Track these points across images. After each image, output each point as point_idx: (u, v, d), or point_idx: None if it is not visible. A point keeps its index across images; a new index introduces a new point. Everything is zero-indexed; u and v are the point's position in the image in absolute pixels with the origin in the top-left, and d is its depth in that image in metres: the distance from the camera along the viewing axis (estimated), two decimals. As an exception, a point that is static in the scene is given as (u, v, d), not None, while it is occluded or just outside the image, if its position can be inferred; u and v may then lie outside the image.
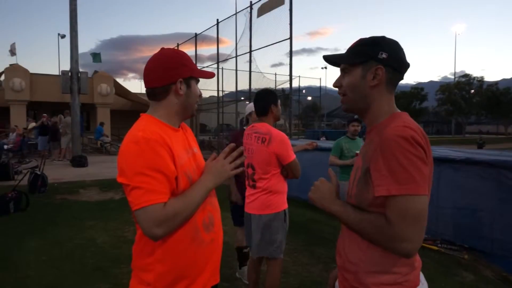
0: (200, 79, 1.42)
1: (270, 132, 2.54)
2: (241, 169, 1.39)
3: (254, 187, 2.61)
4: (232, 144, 1.44)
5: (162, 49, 1.37)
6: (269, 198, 2.55)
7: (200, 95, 1.43)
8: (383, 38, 1.17)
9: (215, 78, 12.19)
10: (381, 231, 1.03)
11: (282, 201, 2.61)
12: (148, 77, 1.32)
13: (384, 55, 1.14)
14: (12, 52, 19.70)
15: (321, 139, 17.96)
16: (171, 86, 1.30)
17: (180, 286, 1.27)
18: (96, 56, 20.39)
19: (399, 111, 1.18)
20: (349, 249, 1.18)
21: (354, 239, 1.15)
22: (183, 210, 1.20)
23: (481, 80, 41.45)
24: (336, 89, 1.24)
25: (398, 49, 1.17)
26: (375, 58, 1.14)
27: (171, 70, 1.30)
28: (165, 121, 1.31)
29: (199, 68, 1.37)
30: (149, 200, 1.13)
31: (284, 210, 2.62)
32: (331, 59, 1.25)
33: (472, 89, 41.10)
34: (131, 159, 1.15)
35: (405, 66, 1.18)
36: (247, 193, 2.70)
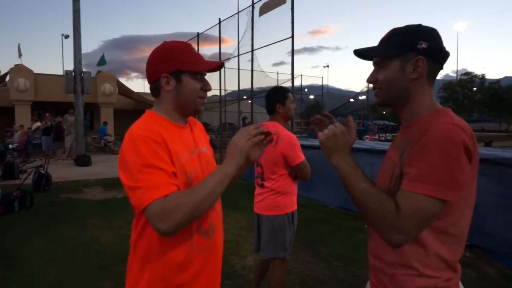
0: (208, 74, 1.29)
1: (278, 132, 2.48)
2: (261, 137, 1.20)
3: (262, 186, 2.58)
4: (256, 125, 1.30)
5: (163, 42, 1.31)
6: (277, 199, 2.51)
7: (204, 88, 1.28)
8: (419, 26, 1.08)
9: (217, 77, 12.19)
10: (386, 216, 0.98)
11: (290, 202, 2.56)
12: (145, 73, 1.30)
13: (424, 45, 1.04)
14: (19, 53, 19.95)
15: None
16: (159, 82, 1.25)
17: None
18: (100, 60, 20.71)
19: (440, 106, 1.10)
20: (384, 251, 1.10)
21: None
22: (189, 200, 1.10)
23: (483, 78, 41.16)
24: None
25: (437, 37, 1.07)
26: (414, 48, 1.04)
27: (156, 65, 1.25)
28: (167, 117, 1.27)
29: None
30: (149, 198, 1.09)
31: (292, 212, 2.57)
32: (362, 53, 1.14)
33: (474, 87, 40.83)
34: (129, 159, 1.13)
35: (445, 55, 1.09)
36: (256, 193, 2.67)
